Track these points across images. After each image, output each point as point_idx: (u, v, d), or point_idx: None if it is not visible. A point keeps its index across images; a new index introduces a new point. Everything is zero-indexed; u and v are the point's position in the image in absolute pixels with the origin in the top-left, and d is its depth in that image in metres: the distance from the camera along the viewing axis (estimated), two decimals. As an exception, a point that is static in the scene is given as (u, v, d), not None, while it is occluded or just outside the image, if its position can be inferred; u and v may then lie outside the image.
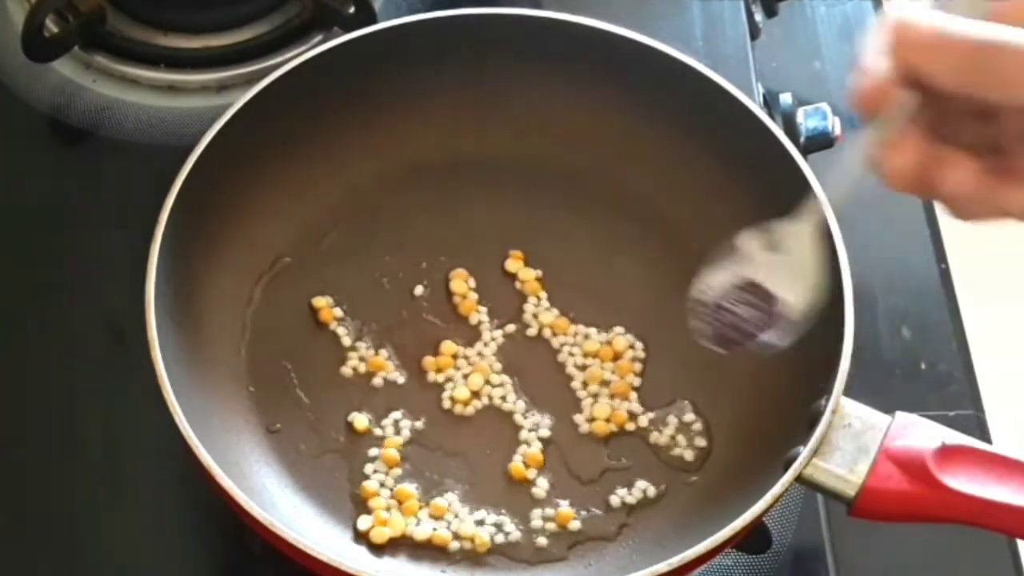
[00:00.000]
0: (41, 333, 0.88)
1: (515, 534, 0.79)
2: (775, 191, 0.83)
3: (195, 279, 0.82)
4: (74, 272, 0.91)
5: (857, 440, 0.73)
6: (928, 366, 0.92)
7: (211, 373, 0.81)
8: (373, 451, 0.81)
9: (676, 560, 0.69)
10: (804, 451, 0.72)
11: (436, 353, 0.85)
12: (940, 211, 1.01)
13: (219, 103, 0.95)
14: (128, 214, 0.86)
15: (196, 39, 0.99)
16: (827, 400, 0.73)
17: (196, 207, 0.80)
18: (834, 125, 0.97)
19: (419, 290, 0.87)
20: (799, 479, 0.72)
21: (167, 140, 0.95)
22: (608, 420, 0.83)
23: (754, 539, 0.78)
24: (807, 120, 0.97)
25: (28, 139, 0.98)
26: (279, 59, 0.98)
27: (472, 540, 0.78)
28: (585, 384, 0.84)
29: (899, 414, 0.74)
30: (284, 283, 0.87)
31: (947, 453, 0.71)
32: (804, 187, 0.80)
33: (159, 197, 0.79)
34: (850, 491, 0.72)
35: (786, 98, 0.98)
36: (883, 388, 0.75)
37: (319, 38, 0.99)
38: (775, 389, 0.81)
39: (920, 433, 0.72)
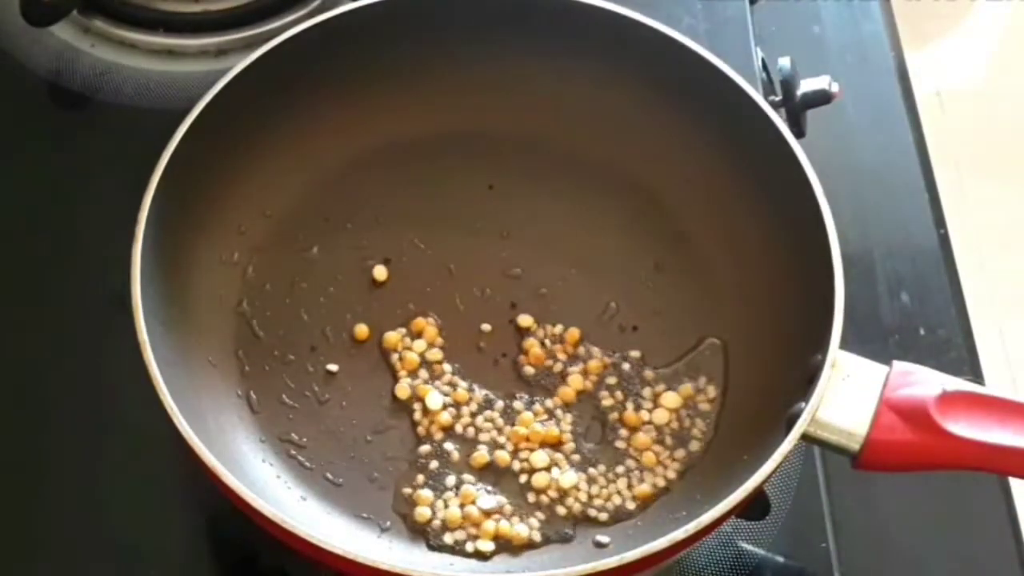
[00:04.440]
0: (40, 296, 0.88)
1: (522, 521, 0.79)
2: (753, 152, 0.83)
3: (182, 250, 0.82)
4: (72, 236, 0.91)
5: (857, 392, 0.73)
6: (927, 332, 0.92)
7: (196, 342, 0.81)
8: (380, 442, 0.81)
9: (692, 526, 0.69)
10: (806, 407, 0.72)
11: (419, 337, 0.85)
12: (939, 176, 1.02)
13: (218, 67, 0.95)
14: (127, 179, 0.85)
15: (195, 3, 0.99)
16: (824, 354, 0.73)
17: (191, 171, 0.81)
18: (831, 84, 0.97)
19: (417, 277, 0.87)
20: (802, 437, 0.72)
21: (166, 104, 0.95)
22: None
23: (754, 505, 0.78)
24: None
25: (27, 104, 0.97)
26: (278, 23, 0.97)
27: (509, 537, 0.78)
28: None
29: (896, 363, 0.74)
30: (276, 257, 0.87)
31: (948, 400, 0.71)
32: (783, 146, 0.80)
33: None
34: (854, 444, 0.72)
35: (785, 62, 0.98)
36: (882, 354, 0.75)
37: (318, 2, 0.99)
38: (773, 353, 0.81)
39: (919, 381, 0.73)
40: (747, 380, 0.83)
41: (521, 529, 0.78)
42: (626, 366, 0.84)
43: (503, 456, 0.80)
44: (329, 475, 0.80)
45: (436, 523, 0.78)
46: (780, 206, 0.82)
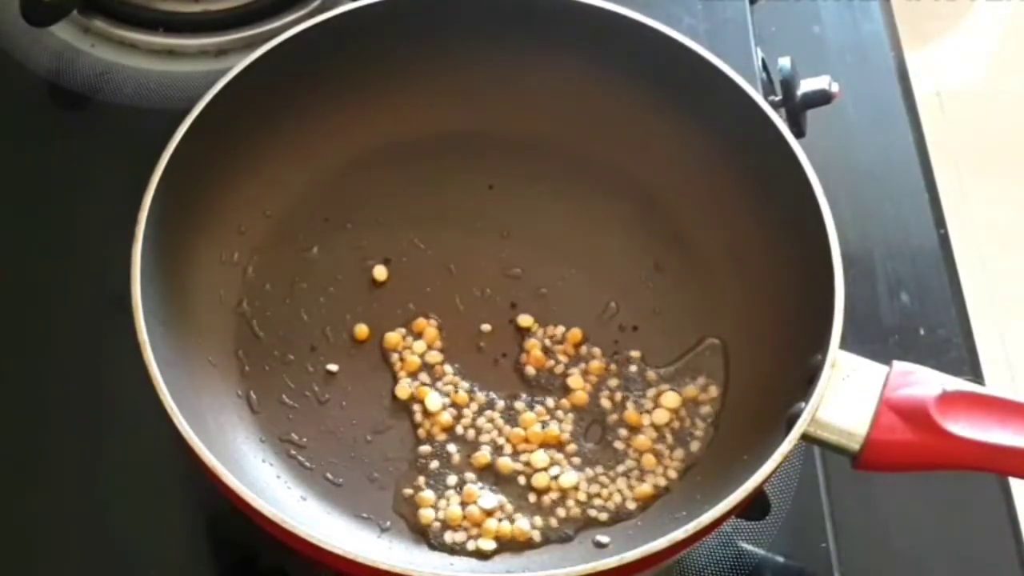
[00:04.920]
0: (40, 296, 0.88)
1: (522, 520, 0.79)
2: (753, 152, 0.83)
3: (182, 250, 0.82)
4: (72, 236, 0.91)
5: (857, 392, 0.73)
6: (927, 332, 0.92)
7: (196, 342, 0.81)
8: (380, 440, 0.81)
9: (692, 526, 0.69)
10: (806, 407, 0.72)
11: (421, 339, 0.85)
12: (939, 176, 1.02)
13: (218, 67, 0.95)
14: (127, 179, 0.85)
15: (195, 3, 0.99)
16: (823, 354, 0.73)
17: (191, 171, 0.80)
18: (831, 84, 0.97)
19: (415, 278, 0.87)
20: (803, 437, 0.72)
21: (166, 104, 0.95)
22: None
23: (754, 505, 0.78)
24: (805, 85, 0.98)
25: (27, 104, 0.97)
26: (278, 23, 0.98)
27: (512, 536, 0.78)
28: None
29: (896, 363, 0.74)
30: (276, 257, 0.87)
31: (948, 400, 0.71)
32: (783, 146, 0.80)
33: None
34: (854, 444, 0.72)
35: (785, 62, 0.98)
36: (882, 354, 0.75)
37: (318, 2, 0.99)
38: (773, 353, 0.81)
39: (919, 381, 0.73)
40: (747, 380, 0.82)
41: (523, 524, 0.78)
42: (627, 367, 0.84)
43: (505, 462, 0.80)
44: (329, 475, 0.80)
45: (437, 523, 0.78)
46: (780, 206, 0.82)
